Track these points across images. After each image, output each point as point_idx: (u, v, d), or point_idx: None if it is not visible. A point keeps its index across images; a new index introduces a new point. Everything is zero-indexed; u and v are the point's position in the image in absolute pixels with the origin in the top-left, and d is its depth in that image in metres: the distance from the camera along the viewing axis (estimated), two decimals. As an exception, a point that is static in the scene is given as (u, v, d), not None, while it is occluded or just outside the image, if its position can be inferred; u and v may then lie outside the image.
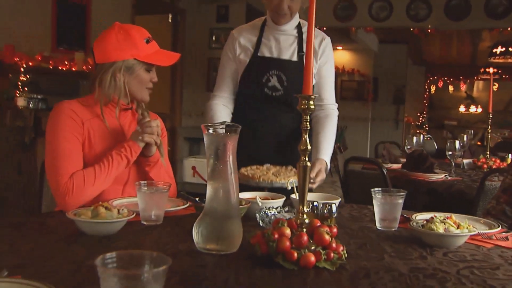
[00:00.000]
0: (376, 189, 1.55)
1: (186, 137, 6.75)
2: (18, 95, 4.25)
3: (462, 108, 15.72)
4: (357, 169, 2.90)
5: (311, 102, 1.15)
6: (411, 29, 6.57)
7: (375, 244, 1.34)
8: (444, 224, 1.33)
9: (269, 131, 2.26)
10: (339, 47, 11.99)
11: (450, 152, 2.92)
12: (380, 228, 1.51)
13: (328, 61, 2.28)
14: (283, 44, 2.24)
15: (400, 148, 4.39)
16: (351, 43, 10.89)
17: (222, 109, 2.26)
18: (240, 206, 1.45)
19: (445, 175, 2.85)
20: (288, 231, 1.15)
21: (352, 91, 12.34)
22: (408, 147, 3.39)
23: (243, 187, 1.90)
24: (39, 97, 4.51)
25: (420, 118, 14.94)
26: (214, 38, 6.94)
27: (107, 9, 5.42)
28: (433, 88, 15.25)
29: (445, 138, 15.69)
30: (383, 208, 1.51)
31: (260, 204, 1.52)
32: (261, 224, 1.47)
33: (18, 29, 4.52)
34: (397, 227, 1.51)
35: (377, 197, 1.52)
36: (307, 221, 1.18)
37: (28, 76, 4.33)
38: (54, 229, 1.38)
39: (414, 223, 1.39)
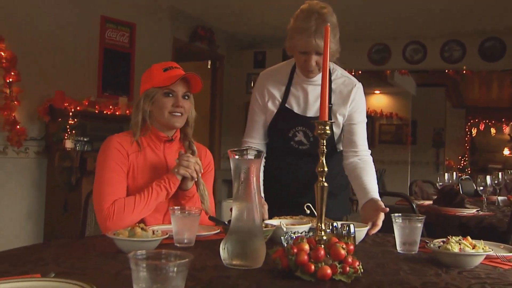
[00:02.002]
0: (396, 214, 1.62)
1: (225, 179, 6.90)
2: (66, 137, 4.52)
3: (506, 151, 15.37)
4: (388, 204, 2.94)
5: (327, 128, 1.26)
6: (446, 71, 6.62)
7: (393, 263, 1.41)
8: (460, 244, 1.39)
9: (292, 178, 2.28)
10: (377, 91, 12.10)
11: (481, 188, 2.94)
12: (400, 252, 1.57)
13: (360, 107, 2.25)
14: (311, 96, 2.20)
15: (434, 187, 4.39)
16: (389, 87, 10.99)
17: None
18: (265, 229, 1.55)
19: (477, 210, 2.86)
20: (307, 246, 1.24)
21: (390, 134, 12.33)
22: (440, 184, 3.42)
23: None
24: (85, 139, 4.77)
25: (462, 162, 14.68)
26: (252, 84, 7.18)
27: (150, 56, 5.72)
28: (474, 131, 15.03)
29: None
30: (403, 232, 1.57)
31: (285, 229, 1.61)
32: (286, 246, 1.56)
33: (68, 76, 4.85)
34: (417, 250, 1.57)
35: (397, 222, 1.59)
36: (324, 237, 1.27)
37: (75, 120, 4.61)
38: (95, 247, 1.51)
39: (432, 245, 1.45)
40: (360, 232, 1.70)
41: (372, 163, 2.25)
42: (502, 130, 14.94)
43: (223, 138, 7.17)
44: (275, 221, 1.79)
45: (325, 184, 1.29)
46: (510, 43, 6.31)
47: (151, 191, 1.82)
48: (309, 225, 1.69)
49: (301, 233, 1.62)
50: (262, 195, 2.14)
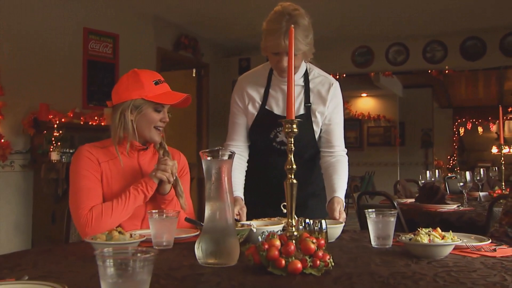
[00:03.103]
0: (370, 209, 1.66)
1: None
2: (52, 149, 4.53)
3: (494, 150, 15.49)
4: (369, 204, 2.99)
5: (294, 126, 1.29)
6: (429, 71, 6.70)
7: (366, 256, 1.44)
8: (429, 235, 1.42)
9: (278, 177, 2.32)
10: (364, 94, 12.20)
11: (461, 184, 2.98)
12: (375, 246, 1.61)
13: (337, 107, 2.28)
14: None
15: (417, 185, 4.43)
16: (375, 89, 11.08)
17: (237, 161, 2.24)
18: (241, 228, 1.58)
19: (457, 206, 2.91)
20: (277, 242, 1.27)
21: (379, 137, 12.42)
22: (422, 181, 3.46)
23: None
24: (71, 151, 4.77)
25: (451, 161, 14.80)
26: (237, 90, 7.23)
27: (134, 66, 5.73)
28: (462, 131, 15.16)
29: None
30: (377, 226, 1.61)
31: (254, 230, 1.63)
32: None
33: (52, 89, 4.87)
34: (391, 244, 1.61)
35: (371, 217, 1.62)
36: (296, 233, 1.30)
37: (61, 132, 4.62)
38: (75, 252, 1.52)
39: (403, 237, 1.49)
40: (336, 229, 1.73)
41: (346, 163, 2.30)
42: (489, 129, 15.08)
43: (210, 144, 7.20)
44: (248, 222, 1.82)
45: (294, 181, 1.32)
46: (490, 42, 6.40)
47: (128, 195, 1.85)
48: (282, 225, 1.72)
49: (276, 232, 1.65)
50: (242, 196, 2.17)
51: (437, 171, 3.70)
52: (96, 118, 4.97)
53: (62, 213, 4.32)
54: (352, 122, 12.09)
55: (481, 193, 3.51)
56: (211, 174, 1.38)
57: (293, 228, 1.30)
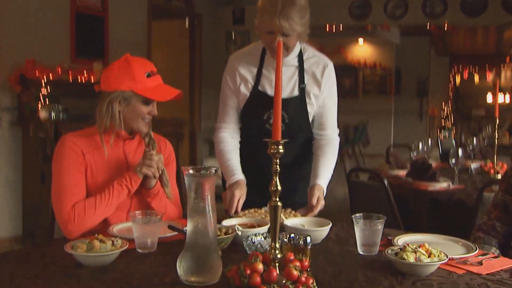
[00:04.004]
0: (357, 214, 1.63)
1: (206, 139, 6.89)
2: (40, 107, 4.44)
3: (489, 98, 15.43)
4: (360, 181, 2.97)
5: (280, 147, 1.24)
6: (428, 26, 6.53)
7: (351, 272, 1.42)
8: (416, 253, 1.40)
9: (270, 161, 2.27)
10: (360, 42, 11.96)
11: (453, 160, 2.96)
12: (361, 253, 1.59)
13: (331, 90, 2.24)
14: (284, 77, 2.11)
15: (410, 150, 4.41)
16: (372, 37, 10.86)
17: (230, 141, 2.24)
18: (224, 237, 1.56)
19: (448, 184, 2.89)
20: (260, 267, 1.25)
21: (374, 84, 12.30)
22: (414, 153, 3.43)
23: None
24: (60, 108, 4.68)
25: (446, 110, 14.77)
26: (231, 40, 7.05)
27: (124, 18, 5.58)
28: (458, 79, 15.03)
29: (472, 130, 15.50)
30: (364, 234, 1.58)
31: (240, 233, 1.61)
32: (248, 252, 1.56)
33: (38, 43, 4.71)
34: (378, 251, 1.59)
35: (358, 224, 1.59)
36: (279, 256, 1.27)
37: (49, 89, 4.51)
38: (54, 260, 1.49)
39: (389, 251, 1.47)
40: (322, 232, 1.71)
41: (337, 146, 2.28)
42: (485, 77, 14.95)
43: (203, 97, 7.10)
44: (235, 220, 1.80)
45: (279, 203, 1.27)
46: (492, -3, 6.21)
47: (112, 191, 1.81)
48: (267, 226, 1.69)
49: (262, 234, 1.63)
50: (243, 178, 2.14)
51: (429, 140, 3.66)
52: (85, 73, 4.84)
53: (51, 174, 4.29)
54: (347, 70, 11.92)
55: (473, 165, 3.49)
56: (193, 190, 1.33)
57: (277, 251, 1.27)
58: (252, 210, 2.00)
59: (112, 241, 1.50)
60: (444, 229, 2.76)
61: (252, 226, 1.75)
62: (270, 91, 2.19)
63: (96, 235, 1.51)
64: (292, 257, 1.30)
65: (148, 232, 1.59)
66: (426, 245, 1.45)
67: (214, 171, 1.34)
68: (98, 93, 1.91)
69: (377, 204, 2.88)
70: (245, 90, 2.21)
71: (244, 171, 2.21)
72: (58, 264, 1.46)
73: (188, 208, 1.35)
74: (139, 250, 1.59)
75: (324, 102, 2.24)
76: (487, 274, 1.41)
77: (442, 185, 2.88)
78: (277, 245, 1.28)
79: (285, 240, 1.43)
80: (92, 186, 1.86)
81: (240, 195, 2.05)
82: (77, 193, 1.79)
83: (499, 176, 3.30)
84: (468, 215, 2.58)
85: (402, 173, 3.38)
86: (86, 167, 1.85)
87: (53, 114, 4.57)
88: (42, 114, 4.48)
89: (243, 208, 2.04)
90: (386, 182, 2.74)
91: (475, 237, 2.05)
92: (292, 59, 2.19)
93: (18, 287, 1.29)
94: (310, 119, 2.26)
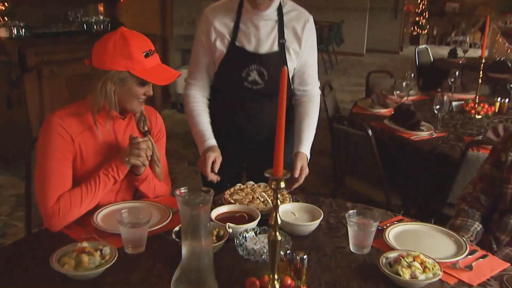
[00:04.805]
0: (351, 212, 1.60)
1: (178, 48, 6.61)
2: (-1, 25, 4.12)
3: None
4: (342, 128, 2.91)
5: (282, 184, 1.16)
6: None
7: (344, 284, 1.42)
8: (411, 267, 1.40)
9: (245, 119, 2.21)
10: None
11: (437, 106, 2.91)
12: (353, 251, 1.59)
13: (312, 46, 2.18)
14: (263, 32, 2.09)
15: (391, 77, 4.34)
16: None
17: (199, 100, 2.17)
18: (218, 243, 1.52)
19: (431, 133, 2.87)
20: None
21: (350, -20, 11.81)
22: (397, 91, 3.37)
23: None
24: (21, 24, 4.37)
25: (421, 5, 14.45)
26: None
27: None
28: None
29: (446, 26, 15.34)
30: (357, 235, 1.57)
31: (230, 230, 1.58)
32: (240, 253, 1.53)
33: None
34: (370, 249, 1.59)
35: (351, 225, 1.57)
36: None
37: (6, 4, 4.16)
38: (43, 270, 1.43)
39: (383, 260, 1.46)
40: (313, 226, 1.69)
41: (318, 100, 2.25)
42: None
43: (175, 2, 6.69)
44: (223, 208, 1.75)
45: (279, 237, 1.22)
46: None
47: (98, 182, 1.72)
48: (256, 221, 1.66)
49: (253, 230, 1.60)
50: (215, 143, 2.08)
51: (411, 83, 3.58)
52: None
53: (18, 98, 4.10)
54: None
55: (454, 103, 3.46)
56: (188, 216, 1.26)
57: (276, 283, 1.24)
58: (237, 188, 1.94)
59: (100, 251, 1.45)
60: (424, 181, 2.80)
61: (242, 217, 1.71)
62: (248, 47, 2.10)
63: (82, 244, 1.45)
64: (289, 281, 1.28)
65: (137, 234, 1.53)
66: (421, 256, 1.45)
67: (209, 196, 1.26)
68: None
69: (359, 150, 2.87)
70: (221, 46, 2.10)
71: (221, 131, 2.16)
72: (47, 275, 1.41)
73: (182, 230, 1.29)
74: (127, 251, 1.54)
75: (306, 58, 2.19)
76: (478, 285, 1.43)
77: (425, 134, 2.86)
78: (276, 277, 1.25)
79: (281, 254, 1.40)
80: (81, 172, 1.76)
81: (214, 156, 2.00)
82: (62, 184, 1.69)
83: (478, 117, 3.30)
84: (451, 171, 2.59)
85: (384, 111, 3.34)
86: (75, 153, 1.74)
87: (14, 31, 4.27)
88: (2, 32, 4.17)
89: (227, 182, 1.99)
90: (370, 133, 2.70)
91: (459, 209, 2.07)
92: (271, 12, 2.09)
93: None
94: (291, 75, 2.21)
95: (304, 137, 2.12)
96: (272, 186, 1.17)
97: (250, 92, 2.14)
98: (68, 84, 4.21)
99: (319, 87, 2.29)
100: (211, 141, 2.08)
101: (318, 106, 2.24)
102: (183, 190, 1.27)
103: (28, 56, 3.92)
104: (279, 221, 1.22)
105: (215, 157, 2.00)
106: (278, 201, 1.20)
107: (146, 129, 1.89)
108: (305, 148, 2.10)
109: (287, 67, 2.11)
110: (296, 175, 1.99)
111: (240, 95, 2.16)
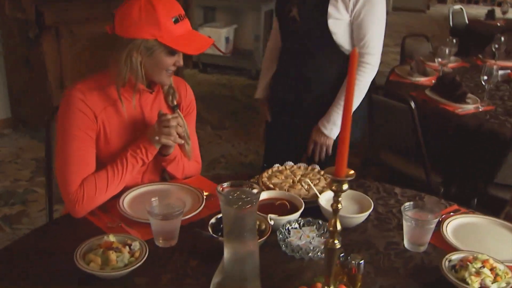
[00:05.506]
0: (406, 205, 1.43)
1: (200, 5, 6.34)
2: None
3: None
4: (381, 99, 2.70)
5: (345, 185, 0.99)
6: None
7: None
8: (480, 274, 1.23)
9: (290, 84, 2.19)
10: None
11: (485, 77, 2.68)
12: (408, 248, 1.43)
13: (367, 3, 1.98)
14: None
15: (428, 41, 4.06)
16: None
17: (271, 54, 2.33)
18: (260, 240, 1.36)
19: (477, 106, 2.65)
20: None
21: None
22: (439, 59, 3.12)
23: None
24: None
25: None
26: None
27: None
28: None
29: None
30: (414, 231, 1.41)
31: (272, 222, 1.42)
32: (283, 249, 1.38)
33: None
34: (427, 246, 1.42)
35: (407, 218, 1.40)
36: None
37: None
38: (66, 265, 1.29)
39: (447, 263, 1.30)
40: (359, 219, 1.52)
41: (365, 76, 2.10)
42: None
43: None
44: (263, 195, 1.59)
45: (337, 245, 1.05)
46: None
47: (125, 164, 1.56)
48: (300, 211, 1.49)
49: (297, 221, 1.45)
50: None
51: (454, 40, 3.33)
52: None
53: (36, 58, 3.93)
54: None
55: (500, 72, 3.20)
56: (231, 217, 1.11)
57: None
58: (275, 169, 1.77)
59: (129, 246, 1.30)
60: (468, 158, 2.60)
61: (283, 206, 1.54)
62: None
63: (109, 238, 1.30)
64: (344, 292, 1.12)
65: (169, 226, 1.38)
66: (491, 261, 1.28)
67: (257, 195, 1.09)
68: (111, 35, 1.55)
69: (399, 123, 2.67)
70: None
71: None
72: (70, 272, 1.27)
73: (225, 231, 1.14)
74: (158, 244, 1.40)
75: (360, 13, 2.00)
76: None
77: (471, 107, 2.65)
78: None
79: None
80: (103, 152, 1.61)
81: (260, 122, 2.42)
82: (85, 167, 1.54)
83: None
84: (502, 148, 2.39)
85: (425, 79, 3.12)
86: (98, 131, 1.57)
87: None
88: (18, -13, 3.95)
89: (272, 160, 1.84)
90: (413, 105, 2.50)
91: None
92: None
93: None
94: (335, 37, 2.04)
95: (333, 113, 2.07)
96: (333, 188, 1.00)
97: (287, 34, 2.18)
98: (90, 45, 4.01)
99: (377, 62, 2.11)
100: (259, 93, 2.38)
101: (363, 81, 2.09)
102: (225, 185, 1.11)
103: (46, 14, 3.72)
104: (339, 227, 1.05)
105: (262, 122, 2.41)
106: (339, 205, 1.02)
107: (175, 103, 1.71)
108: (329, 126, 2.06)
109: (326, 22, 2.00)
110: (309, 152, 2.02)
111: (284, 39, 2.22)
